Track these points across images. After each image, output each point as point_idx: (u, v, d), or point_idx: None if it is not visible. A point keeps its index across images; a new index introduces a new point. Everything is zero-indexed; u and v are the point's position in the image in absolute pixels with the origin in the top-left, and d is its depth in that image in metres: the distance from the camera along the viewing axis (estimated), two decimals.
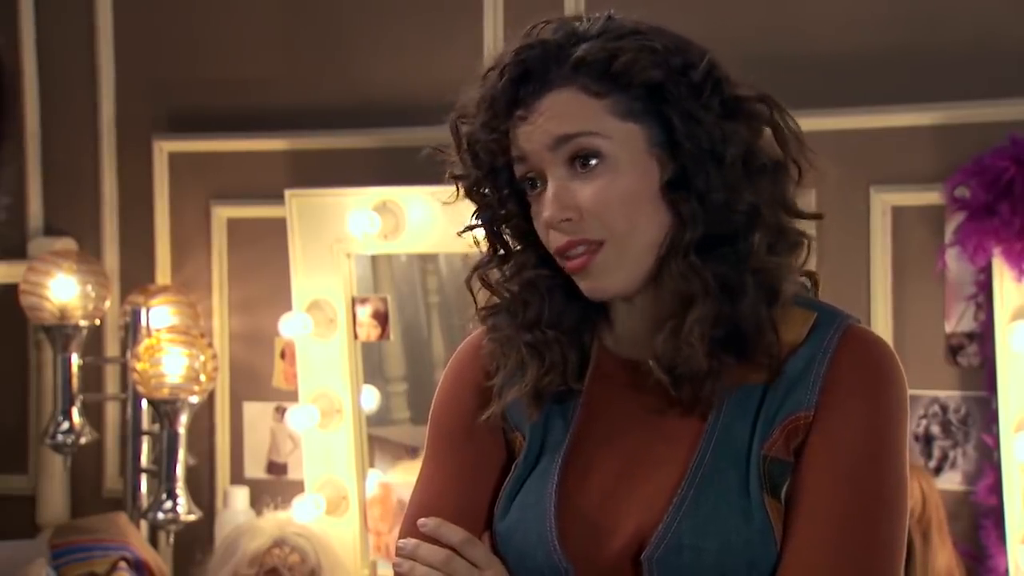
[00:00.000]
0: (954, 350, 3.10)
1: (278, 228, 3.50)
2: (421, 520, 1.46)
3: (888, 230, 3.14)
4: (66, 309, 3.55)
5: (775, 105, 1.43)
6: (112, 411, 3.79)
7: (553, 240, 1.42)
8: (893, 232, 3.14)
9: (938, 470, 3.12)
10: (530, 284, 1.47)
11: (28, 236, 3.83)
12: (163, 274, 3.74)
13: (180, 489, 3.37)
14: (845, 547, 1.35)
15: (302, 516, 3.39)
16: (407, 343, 3.56)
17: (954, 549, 2.96)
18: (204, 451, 3.67)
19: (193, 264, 3.73)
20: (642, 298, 1.44)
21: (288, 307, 3.49)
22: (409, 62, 3.52)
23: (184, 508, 3.36)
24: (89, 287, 3.57)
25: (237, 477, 3.68)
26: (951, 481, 3.11)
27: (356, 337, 3.46)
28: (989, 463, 3.04)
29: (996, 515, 3.00)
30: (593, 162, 1.39)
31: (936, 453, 3.13)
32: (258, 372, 3.66)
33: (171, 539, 3.47)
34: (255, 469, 3.68)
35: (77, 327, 3.56)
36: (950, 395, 3.11)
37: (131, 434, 3.56)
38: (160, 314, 3.57)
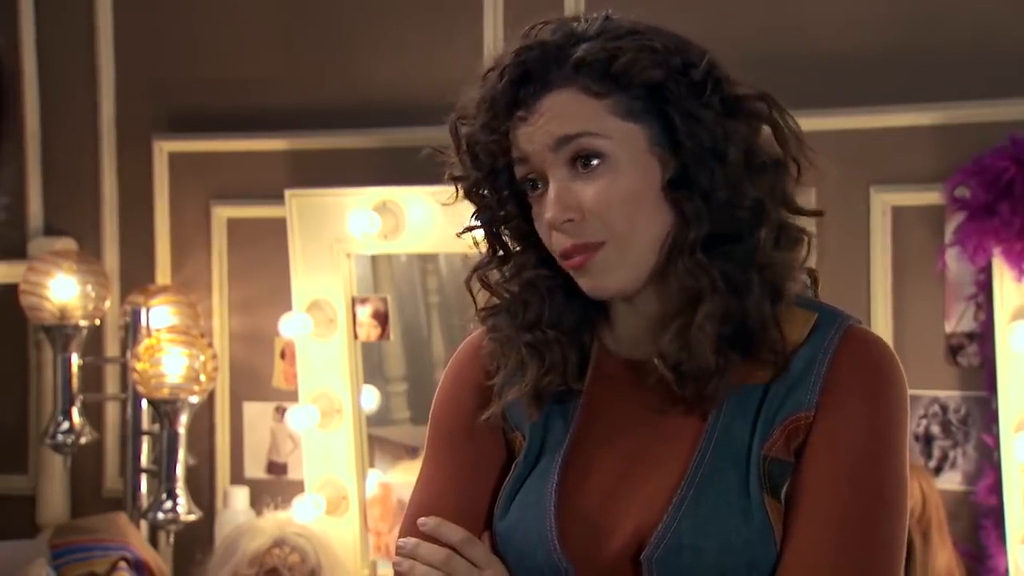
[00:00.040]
0: (954, 350, 3.10)
1: (278, 228, 3.50)
2: (421, 519, 1.46)
3: (888, 230, 3.14)
4: (66, 309, 3.55)
5: (774, 103, 1.43)
6: (112, 411, 3.79)
7: (556, 242, 1.42)
8: (893, 232, 3.14)
9: (938, 470, 3.12)
10: (530, 284, 1.47)
11: (28, 236, 3.83)
12: (163, 274, 3.74)
13: (180, 489, 3.37)
14: (845, 547, 1.35)
15: (302, 516, 3.39)
16: (407, 343, 3.56)
17: (954, 549, 2.96)
18: (204, 451, 3.67)
19: (193, 264, 3.73)
20: (643, 297, 1.44)
21: (288, 307, 3.49)
22: (409, 62, 3.52)
23: (184, 508, 3.36)
24: (89, 287, 3.57)
25: (237, 477, 3.68)
26: (951, 481, 3.11)
27: (356, 337, 3.46)
28: (989, 463, 3.04)
29: (996, 515, 3.00)
30: (594, 162, 1.39)
31: (936, 453, 3.13)
32: (258, 372, 3.66)
33: (171, 539, 3.47)
34: (255, 469, 3.68)
35: (77, 327, 3.56)
36: (950, 395, 3.11)
37: (131, 434, 3.56)
38: (160, 314, 3.57)
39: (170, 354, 3.34)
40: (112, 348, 3.78)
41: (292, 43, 3.69)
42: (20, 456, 3.83)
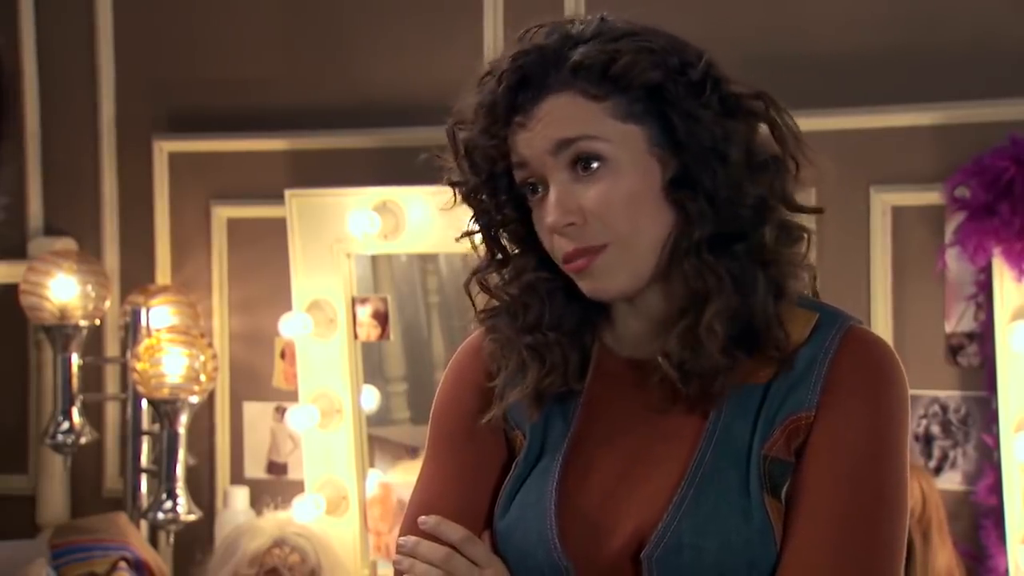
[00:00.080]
0: (954, 350, 3.10)
1: (278, 228, 3.50)
2: (421, 518, 1.46)
3: (888, 230, 3.14)
4: (66, 309, 3.55)
5: (771, 102, 1.43)
6: (112, 411, 3.79)
7: (558, 246, 1.42)
8: (893, 232, 3.14)
9: (938, 470, 3.12)
10: (530, 287, 1.47)
11: (28, 236, 3.83)
12: (163, 274, 3.74)
13: (180, 489, 3.37)
14: (845, 547, 1.35)
15: (302, 516, 3.39)
16: (407, 343, 3.56)
17: (954, 549, 2.96)
18: (204, 451, 3.67)
19: (193, 264, 3.73)
20: (645, 298, 1.44)
21: (288, 307, 3.49)
22: (409, 62, 3.52)
23: (184, 508, 3.36)
24: (89, 287, 3.57)
25: (237, 477, 3.68)
26: (951, 481, 3.11)
27: (356, 337, 3.46)
28: (989, 463, 3.04)
29: (996, 515, 3.00)
30: (595, 165, 1.39)
31: (936, 453, 3.13)
32: (258, 372, 3.66)
33: (171, 539, 3.47)
34: (255, 469, 3.68)
35: (77, 327, 3.56)
36: (950, 395, 3.11)
37: (131, 434, 3.56)
38: (160, 314, 3.57)
39: (170, 354, 3.34)
40: (112, 348, 3.78)
41: (292, 43, 3.69)
42: (20, 456, 3.83)
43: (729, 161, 1.39)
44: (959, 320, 3.09)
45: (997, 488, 2.99)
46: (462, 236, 1.51)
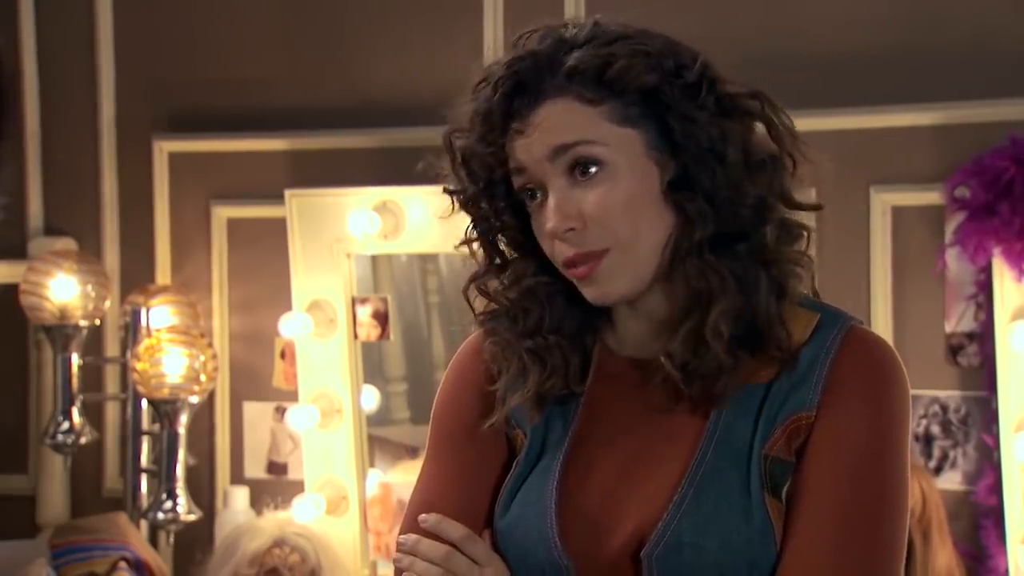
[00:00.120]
0: (954, 350, 3.10)
1: (278, 228, 3.50)
2: (422, 516, 1.46)
3: (888, 230, 3.14)
4: (66, 309, 3.55)
5: (767, 101, 1.43)
6: (112, 411, 3.79)
7: (558, 252, 1.42)
8: (893, 232, 3.14)
9: (938, 470, 3.12)
10: (529, 292, 1.47)
11: (28, 236, 3.83)
12: (163, 274, 3.74)
13: (180, 489, 3.37)
14: (846, 546, 1.35)
15: (302, 516, 3.39)
16: (407, 343, 3.56)
17: (954, 549, 2.96)
18: (204, 451, 3.67)
19: (193, 264, 3.73)
20: (646, 300, 1.44)
21: (288, 307, 3.49)
22: (409, 62, 3.52)
23: (184, 508, 3.36)
24: (89, 287, 3.57)
25: (237, 477, 3.68)
26: (951, 481, 3.11)
27: (356, 337, 3.46)
28: (989, 463, 3.04)
29: (996, 515, 3.00)
30: (593, 170, 1.40)
31: (936, 453, 3.13)
32: (258, 372, 3.66)
33: (171, 539, 3.47)
34: (255, 469, 3.68)
35: (77, 327, 3.56)
36: (950, 395, 3.11)
37: (131, 434, 3.56)
38: (160, 314, 3.57)
39: (170, 354, 3.34)
40: (112, 348, 3.78)
41: (292, 43, 3.69)
42: (20, 456, 3.83)
43: (727, 161, 1.39)
44: (959, 320, 3.09)
45: (997, 488, 2.99)
46: (460, 244, 1.51)
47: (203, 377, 3.36)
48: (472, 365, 1.53)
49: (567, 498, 1.43)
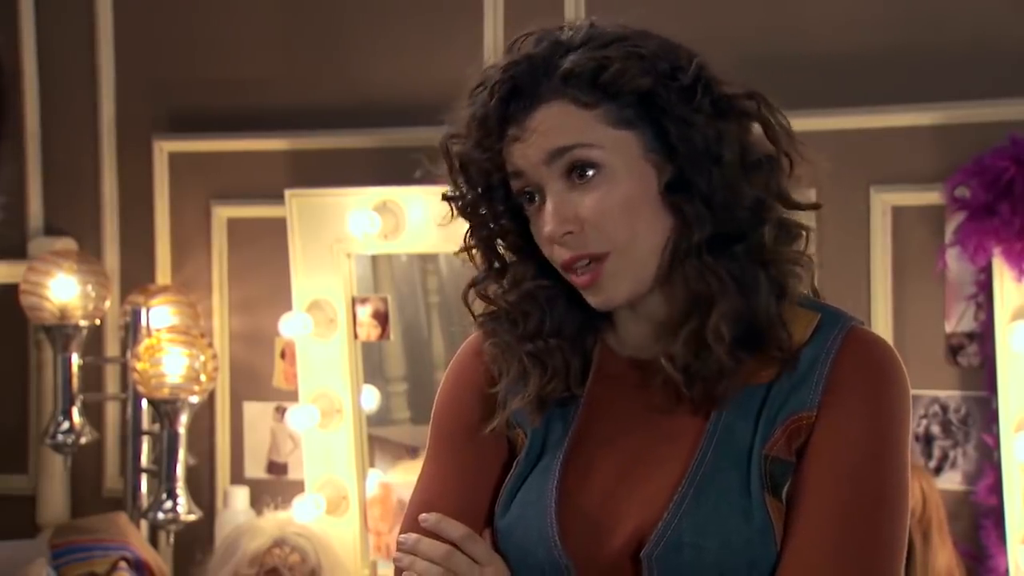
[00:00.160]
0: (954, 350, 3.10)
1: (278, 228, 3.50)
2: (422, 515, 1.46)
3: (888, 230, 3.14)
4: (66, 309, 3.55)
5: (763, 101, 1.43)
6: (112, 411, 3.79)
7: (557, 255, 1.42)
8: (893, 232, 3.14)
9: (938, 470, 3.12)
10: (529, 295, 1.48)
11: (28, 236, 3.83)
12: (163, 274, 3.74)
13: (180, 489, 3.37)
14: (846, 546, 1.35)
15: (302, 516, 3.39)
16: (407, 343, 3.56)
17: (954, 549, 2.96)
18: (204, 451, 3.67)
19: (193, 264, 3.73)
20: (647, 302, 1.44)
21: (288, 307, 3.49)
22: (409, 62, 3.52)
23: (184, 508, 3.36)
24: (89, 287, 3.57)
25: (237, 477, 3.68)
26: (951, 481, 3.11)
27: (356, 337, 3.46)
28: (989, 463, 3.04)
29: (996, 515, 3.00)
30: (590, 173, 1.40)
31: (936, 453, 3.13)
32: (258, 372, 3.66)
33: (171, 539, 3.47)
34: (255, 469, 3.68)
35: (77, 327, 3.56)
36: (950, 395, 3.11)
37: (131, 434, 3.56)
38: (160, 314, 3.57)
39: (170, 354, 3.34)
40: (112, 348, 3.78)
41: (292, 43, 3.69)
42: (20, 456, 3.83)
43: (723, 162, 1.39)
44: (959, 320, 3.09)
45: (997, 488, 2.99)
46: (460, 251, 1.51)
47: (203, 377, 3.36)
48: (472, 365, 1.53)
49: (567, 498, 1.43)
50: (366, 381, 3.51)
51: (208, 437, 3.68)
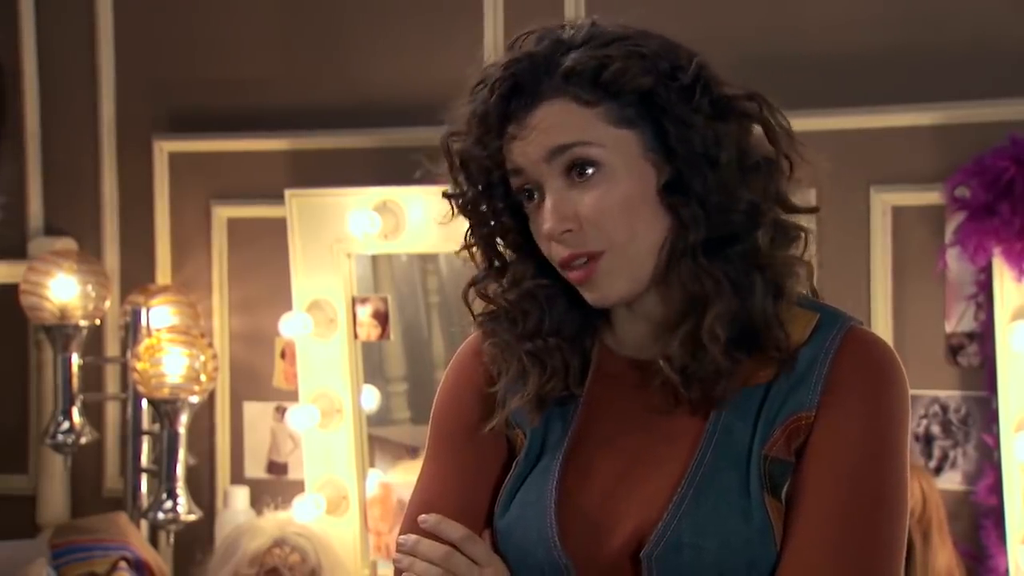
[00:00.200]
0: (954, 350, 3.10)
1: (278, 228, 3.50)
2: (422, 516, 1.46)
3: (888, 230, 3.14)
4: (66, 309, 3.55)
5: (764, 102, 1.43)
6: (112, 411, 3.79)
7: (555, 253, 1.42)
8: (893, 232, 3.14)
9: (938, 470, 3.12)
10: (529, 294, 1.48)
11: (28, 236, 3.84)
12: (163, 274, 3.75)
13: (180, 489, 3.37)
14: (845, 547, 1.35)
15: (302, 516, 3.39)
16: (407, 343, 3.56)
17: (954, 549, 2.96)
18: (204, 451, 3.67)
19: (193, 264, 3.73)
20: (644, 302, 1.44)
21: (288, 307, 3.49)
22: (409, 62, 3.52)
23: (184, 508, 3.36)
24: (89, 287, 3.57)
25: (237, 477, 3.68)
26: (951, 481, 3.11)
27: (356, 337, 3.46)
28: (989, 463, 3.04)
29: (996, 515, 3.00)
30: (590, 171, 1.40)
31: (936, 453, 3.13)
32: (258, 372, 3.66)
33: (171, 539, 3.47)
34: (255, 469, 3.68)
35: (77, 327, 3.56)
36: (950, 395, 3.11)
37: (131, 434, 3.56)
38: (160, 314, 3.57)
39: (170, 354, 3.34)
40: (112, 348, 3.78)
41: (291, 43, 3.69)
42: (20, 456, 3.84)
43: (720, 165, 1.39)
44: (959, 320, 3.09)
45: (997, 488, 2.99)
46: (461, 250, 1.51)
47: (203, 377, 3.36)
48: (472, 365, 1.53)
49: (567, 498, 1.43)
50: (366, 381, 3.51)
51: (208, 437, 3.69)
